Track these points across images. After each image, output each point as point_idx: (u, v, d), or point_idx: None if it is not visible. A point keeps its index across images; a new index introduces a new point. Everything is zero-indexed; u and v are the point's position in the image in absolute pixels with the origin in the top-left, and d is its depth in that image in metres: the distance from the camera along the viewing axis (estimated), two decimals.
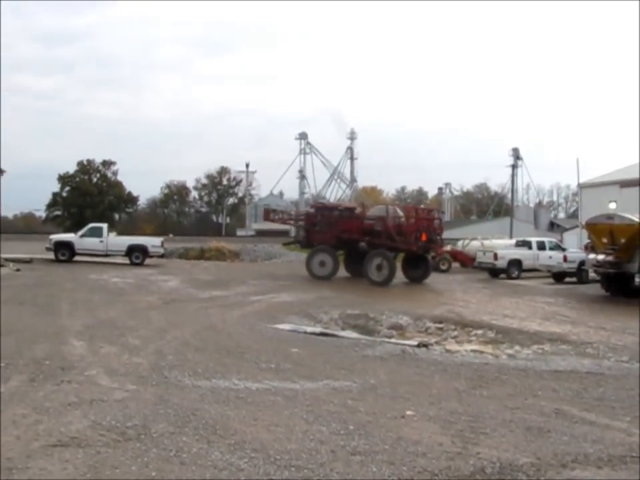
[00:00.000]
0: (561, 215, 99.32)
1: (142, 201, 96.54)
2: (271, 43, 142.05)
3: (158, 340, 10.14)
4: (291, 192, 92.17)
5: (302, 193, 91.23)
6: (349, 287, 22.14)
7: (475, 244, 32.83)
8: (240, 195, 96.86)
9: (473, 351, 11.27)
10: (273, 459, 4.94)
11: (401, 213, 25.74)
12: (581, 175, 41.79)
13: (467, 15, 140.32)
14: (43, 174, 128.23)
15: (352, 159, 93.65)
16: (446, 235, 40.04)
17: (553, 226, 78.26)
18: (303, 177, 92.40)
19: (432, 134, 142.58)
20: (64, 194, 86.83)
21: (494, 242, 32.95)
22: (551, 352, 10.94)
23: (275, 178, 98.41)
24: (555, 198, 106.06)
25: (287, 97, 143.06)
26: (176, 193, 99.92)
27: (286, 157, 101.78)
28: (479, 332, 13.10)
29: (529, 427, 6.09)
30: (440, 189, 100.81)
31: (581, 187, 42.63)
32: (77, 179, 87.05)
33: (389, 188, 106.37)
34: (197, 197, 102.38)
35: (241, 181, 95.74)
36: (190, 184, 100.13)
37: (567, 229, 52.46)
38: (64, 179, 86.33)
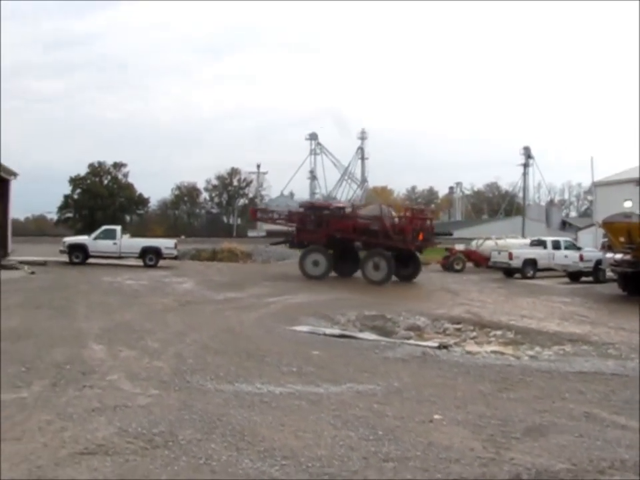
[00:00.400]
0: (573, 214, 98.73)
1: (153, 203, 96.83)
2: (289, 44, 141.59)
3: (177, 343, 10.06)
4: (302, 192, 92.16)
5: (313, 193, 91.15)
6: (362, 288, 22.01)
7: (489, 243, 32.63)
8: (251, 195, 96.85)
9: (494, 352, 11.13)
10: (304, 466, 4.81)
11: (394, 213, 26.07)
12: (594, 173, 41.50)
13: (481, 13, 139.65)
14: (55, 177, 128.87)
15: (362, 159, 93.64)
16: (457, 234, 39.88)
17: (565, 225, 77.82)
18: (313, 177, 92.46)
19: (443, 133, 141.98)
20: (75, 196, 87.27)
21: (508, 241, 32.72)
22: (573, 353, 10.80)
23: (286, 179, 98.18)
24: (566, 196, 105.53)
25: (295, 96, 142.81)
26: (186, 194, 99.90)
27: (296, 158, 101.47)
28: (498, 333, 12.96)
29: (561, 430, 5.96)
30: (451, 188, 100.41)
31: (596, 185, 42.27)
32: (88, 181, 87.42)
33: (400, 188, 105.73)
34: (207, 198, 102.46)
35: (251, 181, 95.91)
36: (200, 185, 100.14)
37: (580, 228, 52.02)
38: (75, 181, 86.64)
